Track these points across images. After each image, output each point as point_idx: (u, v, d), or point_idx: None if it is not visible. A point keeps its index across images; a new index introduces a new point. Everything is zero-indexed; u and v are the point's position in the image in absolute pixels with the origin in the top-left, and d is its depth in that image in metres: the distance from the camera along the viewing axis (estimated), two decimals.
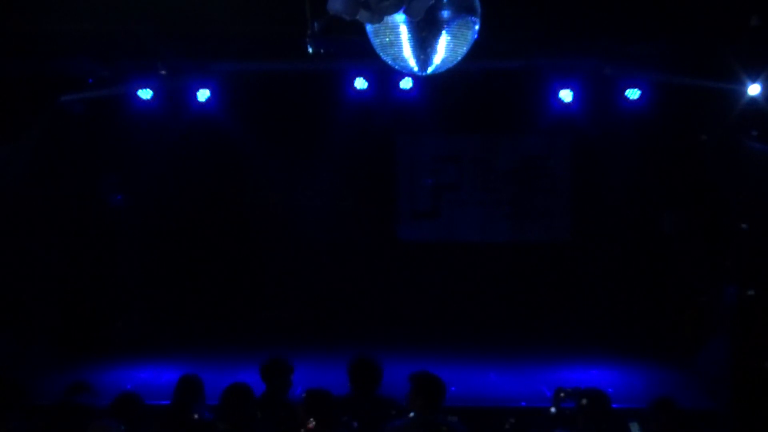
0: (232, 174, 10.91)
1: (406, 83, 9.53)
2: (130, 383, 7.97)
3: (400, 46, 3.70)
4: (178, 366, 6.35)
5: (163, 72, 8.93)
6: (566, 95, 9.52)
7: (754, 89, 8.20)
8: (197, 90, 9.55)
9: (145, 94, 9.47)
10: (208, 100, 9.62)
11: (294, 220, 10.94)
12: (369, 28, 3.71)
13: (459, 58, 3.79)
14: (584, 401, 5.37)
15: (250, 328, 10.21)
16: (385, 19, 3.57)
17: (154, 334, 10.09)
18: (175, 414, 5.64)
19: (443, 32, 3.64)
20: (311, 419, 4.94)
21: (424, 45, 3.67)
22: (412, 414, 5.33)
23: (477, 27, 3.73)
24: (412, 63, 3.75)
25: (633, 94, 9.43)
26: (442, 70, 3.81)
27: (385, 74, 9.25)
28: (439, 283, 10.88)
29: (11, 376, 5.61)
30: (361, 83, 9.51)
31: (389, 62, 3.81)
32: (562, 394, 5.48)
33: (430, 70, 3.77)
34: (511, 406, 7.49)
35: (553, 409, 5.53)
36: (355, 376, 5.98)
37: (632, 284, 10.34)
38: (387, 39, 3.69)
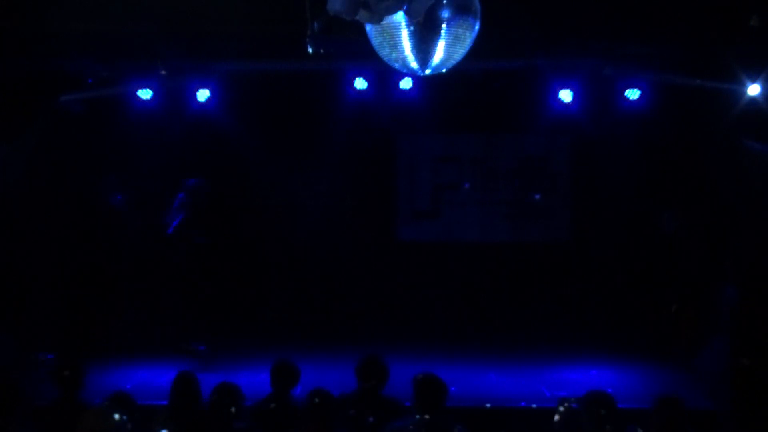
0: (231, 174, 10.90)
1: (406, 83, 9.53)
2: (129, 383, 7.97)
3: (400, 46, 3.70)
4: (177, 366, 6.34)
5: (163, 72, 8.94)
6: (566, 95, 9.52)
7: (753, 89, 8.22)
8: (197, 90, 9.55)
9: (145, 94, 9.47)
10: (208, 100, 9.62)
11: (294, 219, 10.92)
12: (369, 28, 3.71)
13: (459, 59, 3.79)
14: (566, 405, 5.34)
15: (250, 328, 10.20)
16: (385, 19, 3.57)
17: (154, 335, 10.07)
18: (177, 413, 5.64)
19: (443, 32, 3.64)
20: None
21: (423, 45, 3.67)
22: (414, 415, 5.34)
23: (477, 27, 3.73)
24: (412, 63, 3.75)
25: (633, 94, 9.44)
26: (442, 70, 3.82)
27: (385, 74, 9.25)
28: (438, 283, 10.87)
29: (10, 379, 5.60)
30: (361, 83, 9.51)
31: (389, 62, 3.82)
32: (565, 404, 5.44)
33: (429, 70, 3.77)
34: (511, 406, 7.48)
35: (556, 417, 5.50)
36: (362, 374, 5.99)
37: (632, 284, 10.33)
38: (387, 39, 3.70)
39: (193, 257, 10.90)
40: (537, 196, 11.13)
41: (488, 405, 7.46)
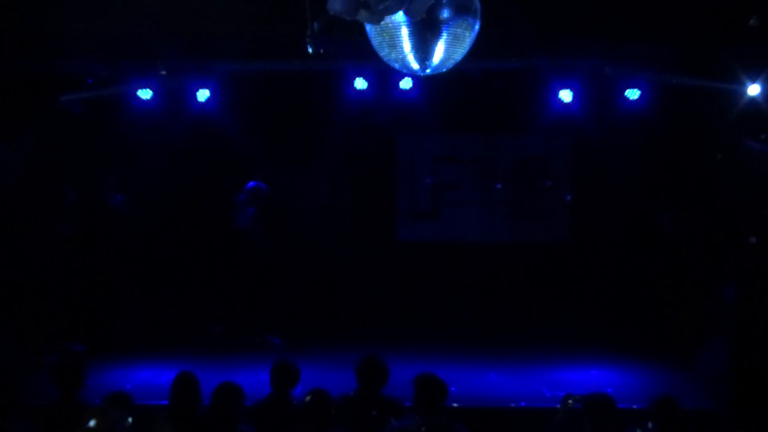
0: (231, 174, 10.89)
1: (406, 83, 9.53)
2: (129, 383, 7.97)
3: (400, 47, 3.70)
4: (177, 366, 6.34)
5: (163, 72, 8.94)
6: (566, 95, 9.52)
7: (754, 89, 8.21)
8: (197, 90, 9.55)
9: (145, 94, 9.47)
10: (208, 100, 9.62)
11: (294, 219, 10.92)
12: (369, 28, 3.71)
13: (459, 59, 3.79)
14: (570, 402, 5.36)
15: (250, 327, 10.19)
16: (385, 19, 3.57)
17: (154, 334, 10.07)
18: (177, 413, 5.65)
19: (443, 32, 3.64)
20: None
21: (423, 45, 3.67)
22: (414, 415, 5.35)
23: (477, 27, 3.73)
24: (412, 63, 3.75)
25: (633, 94, 9.44)
26: (442, 70, 3.82)
27: (385, 74, 9.25)
28: (439, 283, 10.87)
29: (6, 378, 5.61)
30: (361, 83, 9.51)
31: (389, 62, 3.82)
32: (570, 401, 5.44)
33: (429, 70, 3.77)
34: (511, 406, 7.47)
35: (559, 414, 5.51)
36: (362, 374, 6.00)
37: (632, 284, 10.33)
38: (386, 39, 3.70)
39: (193, 257, 10.96)
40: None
41: (488, 405, 7.46)
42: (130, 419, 4.65)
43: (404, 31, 3.64)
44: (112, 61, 8.72)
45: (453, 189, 11.24)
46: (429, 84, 9.37)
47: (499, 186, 11.14)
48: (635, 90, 9.40)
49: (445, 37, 3.66)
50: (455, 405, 6.81)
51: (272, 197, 10.15)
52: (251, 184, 10.07)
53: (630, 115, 9.76)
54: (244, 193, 10.05)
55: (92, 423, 4.48)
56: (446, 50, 3.70)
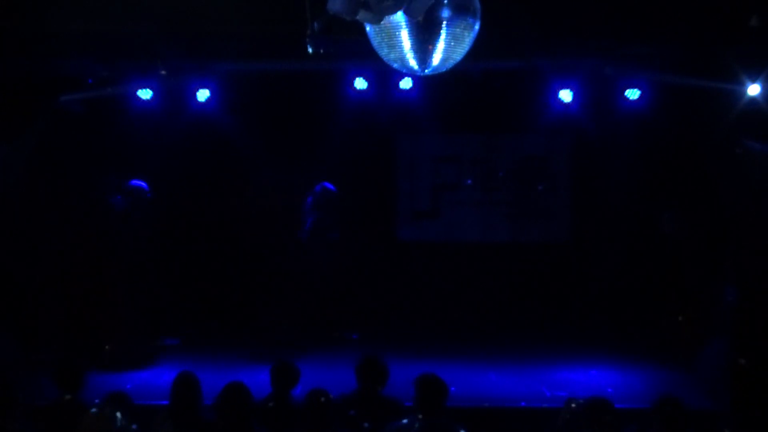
0: (231, 174, 10.90)
1: (406, 83, 9.52)
2: (129, 383, 7.97)
3: (400, 47, 3.70)
4: (178, 366, 6.35)
5: (163, 72, 8.93)
6: (566, 95, 9.51)
7: (754, 89, 8.21)
8: (197, 90, 9.54)
9: (145, 94, 9.47)
10: (208, 100, 9.62)
11: (294, 219, 10.90)
12: (369, 28, 3.71)
13: (459, 58, 3.80)
14: (573, 405, 5.36)
15: (250, 328, 10.20)
16: (385, 19, 3.57)
17: (154, 334, 10.06)
18: (177, 413, 5.65)
19: (443, 32, 3.64)
20: None
21: (423, 45, 3.67)
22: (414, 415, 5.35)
23: (477, 27, 3.73)
24: (412, 63, 3.75)
25: (633, 94, 9.43)
26: (442, 70, 3.82)
27: (385, 74, 9.25)
28: (439, 283, 10.87)
29: (6, 379, 5.61)
30: (361, 83, 9.50)
31: (389, 62, 3.82)
32: (573, 405, 5.44)
33: (429, 70, 3.77)
34: (511, 406, 7.48)
35: (561, 416, 5.51)
36: (362, 374, 6.01)
37: (632, 284, 10.33)
38: (387, 39, 3.70)
39: (192, 257, 10.96)
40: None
41: (488, 405, 7.46)
42: (128, 421, 4.65)
43: (404, 31, 3.64)
44: (112, 61, 8.71)
45: (453, 189, 11.24)
46: (429, 84, 9.37)
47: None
48: (635, 90, 9.39)
49: (444, 37, 3.66)
50: (455, 405, 6.81)
51: (339, 199, 10.13)
52: (318, 187, 10.03)
53: (630, 115, 9.75)
54: (312, 196, 10.01)
55: (118, 415, 4.50)
56: (446, 50, 3.70)
